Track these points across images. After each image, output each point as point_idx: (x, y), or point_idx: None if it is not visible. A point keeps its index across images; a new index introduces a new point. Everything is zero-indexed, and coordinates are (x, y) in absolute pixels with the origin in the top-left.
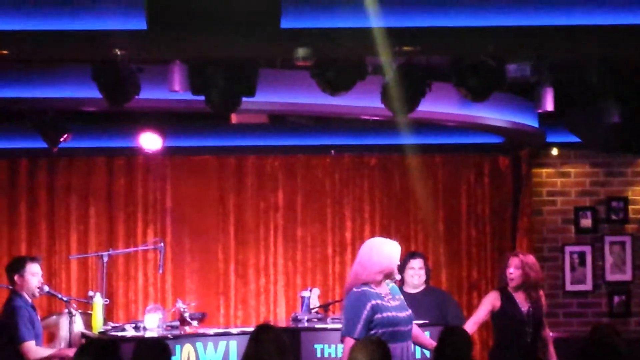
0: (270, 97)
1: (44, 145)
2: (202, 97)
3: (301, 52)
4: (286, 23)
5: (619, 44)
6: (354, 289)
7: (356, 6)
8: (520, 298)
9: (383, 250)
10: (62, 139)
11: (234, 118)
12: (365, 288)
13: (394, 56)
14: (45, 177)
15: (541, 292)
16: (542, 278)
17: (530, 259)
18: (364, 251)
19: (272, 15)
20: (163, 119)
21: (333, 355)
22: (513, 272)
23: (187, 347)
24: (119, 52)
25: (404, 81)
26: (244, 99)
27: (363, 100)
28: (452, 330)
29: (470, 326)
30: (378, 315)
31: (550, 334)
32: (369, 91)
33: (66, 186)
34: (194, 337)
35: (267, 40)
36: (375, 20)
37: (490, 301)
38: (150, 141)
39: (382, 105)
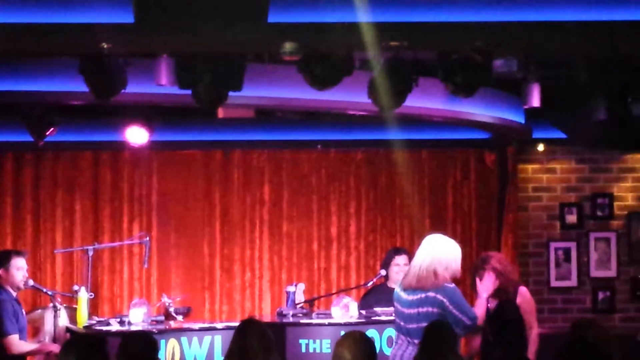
0: (257, 91)
1: (30, 138)
2: (189, 92)
3: (288, 46)
4: (273, 17)
5: (606, 40)
6: (446, 284)
7: (343, 0)
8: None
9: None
10: (48, 133)
11: (221, 112)
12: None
13: (381, 51)
14: (31, 171)
15: (521, 291)
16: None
17: (503, 263)
18: (444, 250)
19: (259, 10)
20: (150, 112)
21: (318, 351)
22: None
23: (172, 342)
24: (105, 46)
25: (391, 76)
26: (231, 93)
27: (350, 95)
28: (437, 325)
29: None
30: None
31: (535, 331)
32: (356, 86)
33: (52, 180)
34: (178, 331)
35: (254, 35)
36: (362, 14)
37: None
38: (136, 135)
39: (369, 100)
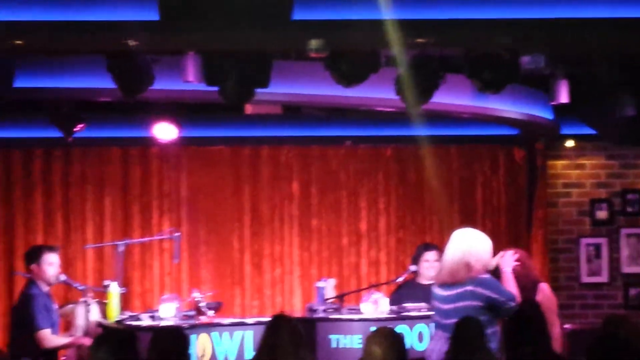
0: (284, 88)
1: (59, 135)
2: (216, 88)
3: (314, 43)
4: (299, 14)
5: (635, 37)
6: (481, 276)
7: None
8: None
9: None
10: (76, 129)
11: (249, 109)
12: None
13: (407, 48)
14: (61, 167)
15: (542, 287)
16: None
17: (522, 260)
18: (474, 242)
19: (284, 7)
20: (178, 109)
21: (348, 346)
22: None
23: (203, 337)
24: (132, 43)
25: (418, 73)
26: (259, 90)
27: (378, 92)
28: (466, 320)
29: None
30: None
31: (557, 330)
32: (383, 82)
33: (81, 176)
34: (209, 326)
35: (279, 32)
36: (387, 12)
37: None
38: (165, 131)
39: (397, 97)
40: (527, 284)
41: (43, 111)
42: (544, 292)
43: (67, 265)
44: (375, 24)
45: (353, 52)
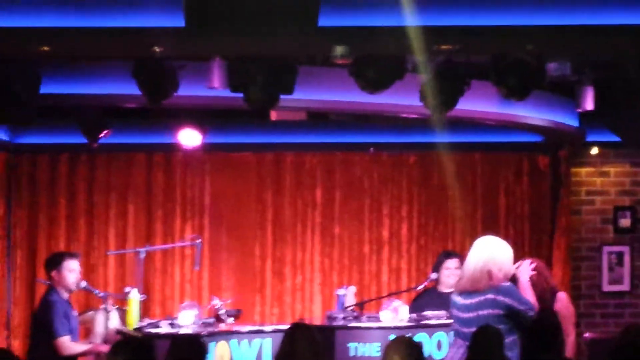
0: (309, 94)
1: (84, 140)
2: (241, 94)
3: (339, 50)
4: (324, 21)
5: None
6: (502, 284)
7: (394, 4)
8: None
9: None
10: (102, 135)
11: (273, 115)
12: None
13: (432, 55)
14: (85, 173)
15: (560, 297)
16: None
17: (540, 270)
18: (497, 251)
19: (310, 13)
20: (202, 115)
21: (367, 354)
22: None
23: (222, 344)
24: (157, 50)
25: (443, 79)
26: (283, 96)
27: (402, 98)
28: (485, 329)
29: None
30: None
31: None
32: (408, 89)
33: (105, 182)
34: (228, 334)
35: (304, 39)
36: (413, 18)
37: None
38: (189, 137)
39: (421, 103)
40: (544, 293)
41: (69, 117)
42: (562, 302)
43: (89, 272)
44: (400, 31)
45: (378, 59)
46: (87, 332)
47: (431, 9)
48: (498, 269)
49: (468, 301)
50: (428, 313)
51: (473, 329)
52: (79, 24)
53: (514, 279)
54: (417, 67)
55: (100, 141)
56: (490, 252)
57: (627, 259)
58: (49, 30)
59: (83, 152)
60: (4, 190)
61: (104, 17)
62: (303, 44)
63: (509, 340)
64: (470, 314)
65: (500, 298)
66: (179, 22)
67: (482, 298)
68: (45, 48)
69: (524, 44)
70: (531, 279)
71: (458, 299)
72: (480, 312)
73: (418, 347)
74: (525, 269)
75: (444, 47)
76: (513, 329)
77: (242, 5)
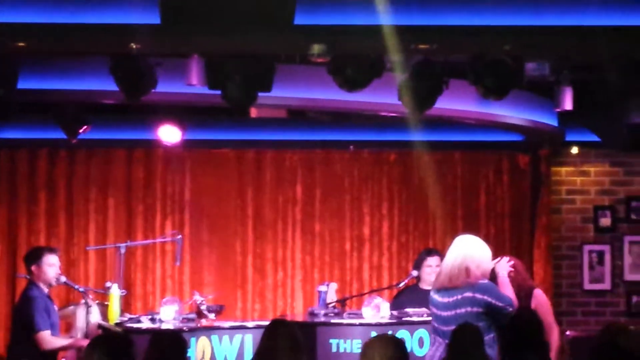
0: (289, 92)
1: (64, 136)
2: (219, 92)
3: (316, 48)
4: (300, 19)
5: (638, 44)
6: (480, 281)
7: (371, 3)
8: None
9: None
10: (81, 130)
11: (254, 112)
12: None
13: (410, 54)
14: (65, 168)
15: (536, 294)
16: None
17: (517, 269)
18: (475, 248)
19: (285, 11)
20: (183, 111)
21: (348, 350)
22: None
23: (203, 340)
24: (134, 46)
25: (421, 79)
26: (263, 93)
27: (382, 97)
28: (463, 327)
29: None
30: None
31: (556, 332)
32: (388, 88)
33: (85, 177)
34: (209, 330)
35: (280, 36)
36: (390, 17)
37: None
38: (169, 134)
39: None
40: (521, 292)
41: (48, 112)
42: (538, 299)
43: (69, 267)
44: (377, 30)
45: (356, 58)
46: (68, 327)
47: (409, 8)
48: (476, 266)
49: (446, 299)
50: (409, 310)
51: (452, 327)
52: (55, 20)
53: (493, 277)
54: (395, 66)
55: (80, 137)
56: (469, 250)
57: (607, 257)
58: (25, 26)
59: (63, 147)
60: None
61: (80, 13)
62: (279, 42)
63: (488, 337)
64: (449, 312)
65: (479, 295)
66: (155, 19)
67: (459, 296)
68: (21, 44)
69: (501, 44)
70: (509, 275)
71: (436, 297)
72: (459, 310)
73: (400, 344)
74: (504, 265)
75: (421, 46)
76: (492, 326)
77: (217, 3)
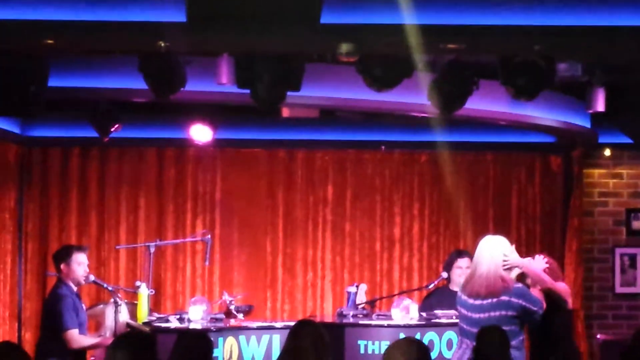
0: (319, 91)
1: (96, 134)
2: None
3: (344, 47)
4: (327, 18)
5: None
6: (515, 285)
7: (400, 2)
8: None
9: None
10: (112, 129)
11: (285, 112)
12: None
13: (439, 54)
14: (97, 167)
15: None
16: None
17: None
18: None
19: (312, 10)
20: (214, 111)
21: (377, 352)
22: None
23: (230, 340)
24: (162, 44)
25: (451, 79)
26: (294, 93)
27: (414, 97)
28: (489, 330)
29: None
30: None
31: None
32: (419, 88)
33: (117, 176)
34: (237, 330)
35: (306, 36)
36: (419, 16)
37: None
38: (200, 133)
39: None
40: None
41: (80, 111)
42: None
43: (100, 265)
44: (404, 29)
45: (385, 57)
46: (97, 326)
47: (437, 8)
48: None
49: (479, 301)
50: (438, 312)
51: None
52: (83, 18)
53: (522, 279)
54: (424, 66)
55: (112, 135)
56: (499, 257)
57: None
58: (53, 23)
59: (95, 146)
60: (16, 183)
61: (109, 11)
62: (305, 41)
63: (517, 340)
64: (482, 315)
65: (515, 299)
66: (181, 17)
67: (494, 300)
68: (50, 41)
69: (531, 45)
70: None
71: (467, 299)
72: (493, 313)
73: (423, 346)
74: (539, 262)
75: (450, 46)
76: (522, 329)
77: (243, 1)
